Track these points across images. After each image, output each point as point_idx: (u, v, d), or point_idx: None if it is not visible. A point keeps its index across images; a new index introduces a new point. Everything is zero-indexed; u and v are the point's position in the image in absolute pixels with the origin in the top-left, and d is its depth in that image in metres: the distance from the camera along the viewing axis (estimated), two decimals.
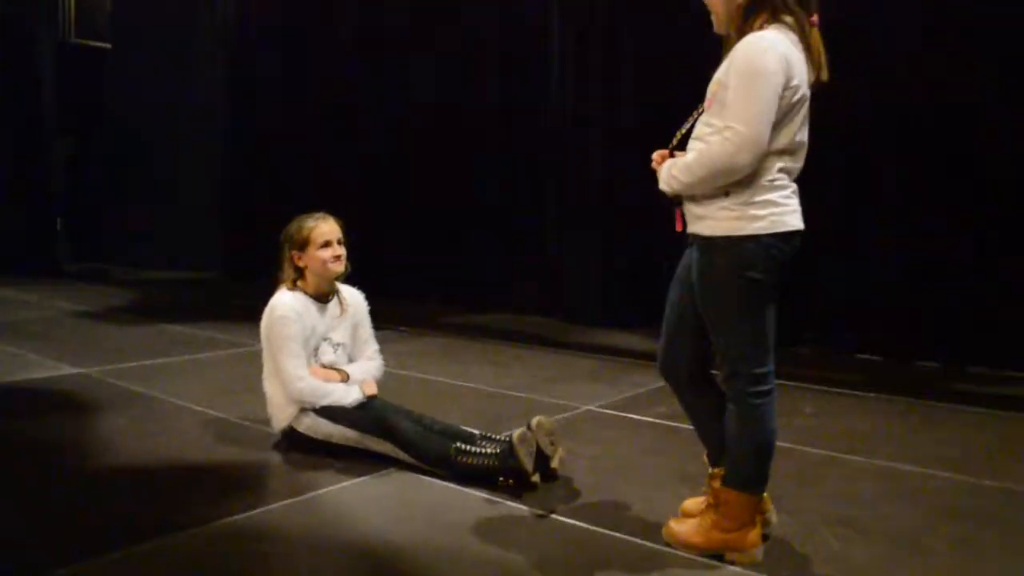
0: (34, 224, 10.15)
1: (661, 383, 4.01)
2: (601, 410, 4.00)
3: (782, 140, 2.15)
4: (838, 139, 5.04)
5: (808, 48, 2.17)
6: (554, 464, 2.93)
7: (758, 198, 2.15)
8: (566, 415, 3.89)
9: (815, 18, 2.19)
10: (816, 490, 2.94)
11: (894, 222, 5.16)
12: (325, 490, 2.88)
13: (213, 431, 3.56)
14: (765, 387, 2.24)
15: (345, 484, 2.92)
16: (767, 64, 2.07)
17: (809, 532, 2.51)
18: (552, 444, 2.90)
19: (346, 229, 3.36)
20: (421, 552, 2.36)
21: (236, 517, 2.61)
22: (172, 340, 5.68)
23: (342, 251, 3.30)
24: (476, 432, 3.11)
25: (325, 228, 3.26)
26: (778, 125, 2.13)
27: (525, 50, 6.92)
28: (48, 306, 7.20)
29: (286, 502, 2.76)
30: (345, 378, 3.27)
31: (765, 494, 2.42)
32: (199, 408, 3.89)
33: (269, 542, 2.45)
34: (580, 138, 6.46)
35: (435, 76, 7.52)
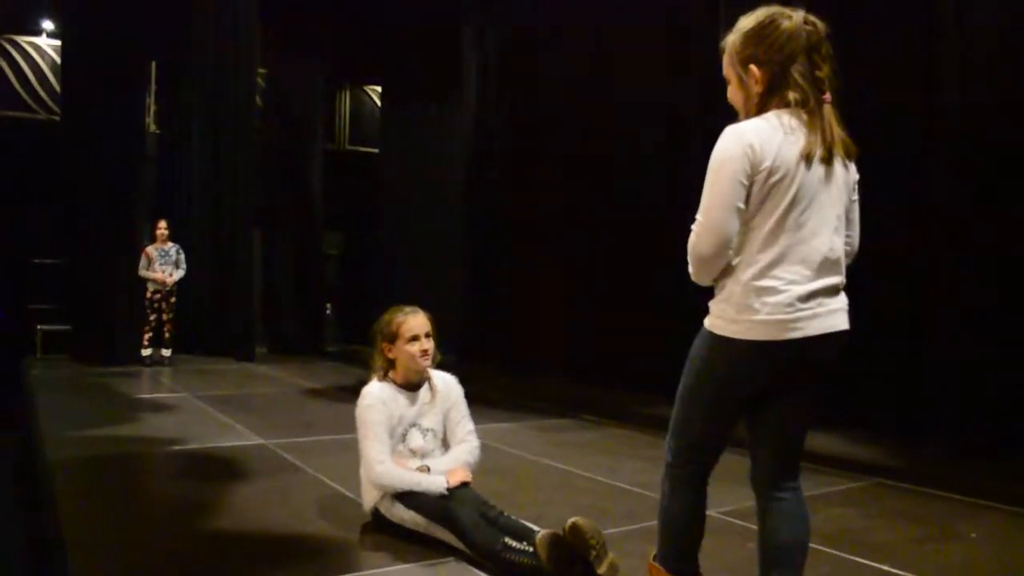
0: (306, 310, 11.40)
1: (813, 492, 3.68)
2: (719, 516, 3.67)
3: (764, 229, 2.00)
4: None
5: (815, 126, 2.01)
6: (601, 571, 2.74)
7: (739, 301, 2.03)
8: None
9: (827, 96, 2.04)
10: None
11: None
12: (369, 572, 2.93)
13: (325, 505, 3.75)
14: (688, 471, 2.21)
15: (391, 568, 2.95)
16: (725, 152, 2.00)
17: None
18: (594, 549, 2.72)
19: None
20: None
21: None
22: None
23: (429, 345, 3.38)
24: (536, 529, 3.00)
25: (413, 323, 3.37)
26: (758, 212, 2.00)
27: None
28: (285, 382, 8.03)
29: None
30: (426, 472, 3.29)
31: None
32: (331, 483, 4.12)
33: None
34: None
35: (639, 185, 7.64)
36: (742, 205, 1.99)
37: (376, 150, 12.26)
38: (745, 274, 2.02)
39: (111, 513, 3.68)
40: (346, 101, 12.67)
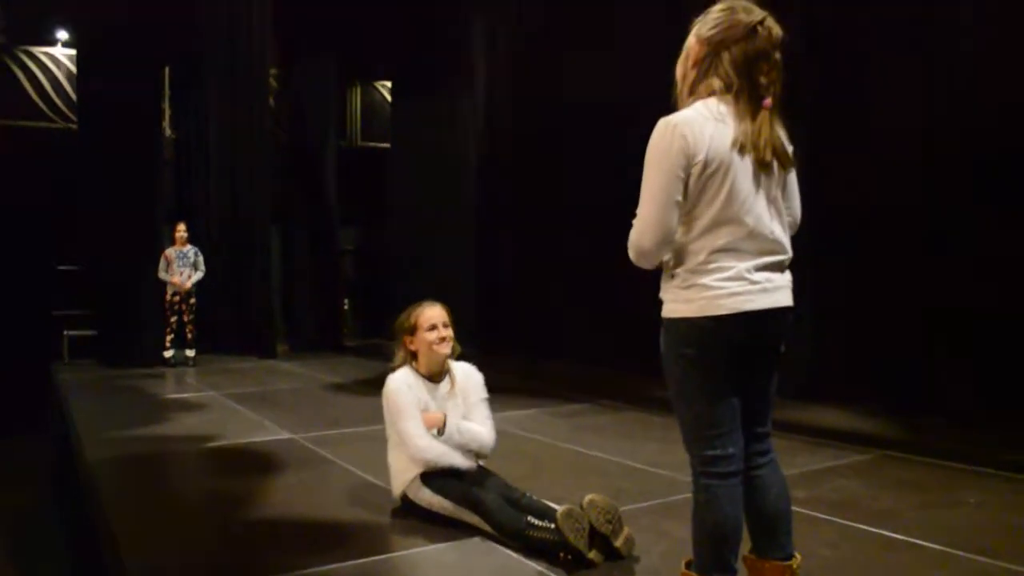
0: (323, 305, 11.60)
1: (822, 464, 4.13)
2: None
3: (706, 218, 2.08)
4: None
5: (743, 113, 2.07)
6: (618, 544, 2.93)
7: (692, 282, 2.11)
8: (684, 496, 3.80)
9: (768, 102, 2.09)
10: None
11: None
12: (402, 553, 3.13)
13: (356, 493, 3.94)
14: (718, 470, 2.14)
15: (422, 549, 3.14)
16: (660, 146, 2.07)
17: None
18: (610, 523, 2.91)
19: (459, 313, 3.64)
20: None
21: (307, 571, 2.91)
22: None
23: (447, 332, 3.55)
24: (556, 508, 3.18)
25: (430, 313, 3.55)
26: (697, 203, 2.08)
27: None
28: (308, 378, 8.24)
29: (361, 560, 3.02)
30: (443, 419, 3.46)
31: None
32: (360, 472, 4.31)
33: None
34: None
35: None
36: (680, 198, 2.07)
37: (388, 146, 12.42)
38: (693, 261, 2.10)
39: (156, 508, 3.88)
40: (357, 98, 12.85)
